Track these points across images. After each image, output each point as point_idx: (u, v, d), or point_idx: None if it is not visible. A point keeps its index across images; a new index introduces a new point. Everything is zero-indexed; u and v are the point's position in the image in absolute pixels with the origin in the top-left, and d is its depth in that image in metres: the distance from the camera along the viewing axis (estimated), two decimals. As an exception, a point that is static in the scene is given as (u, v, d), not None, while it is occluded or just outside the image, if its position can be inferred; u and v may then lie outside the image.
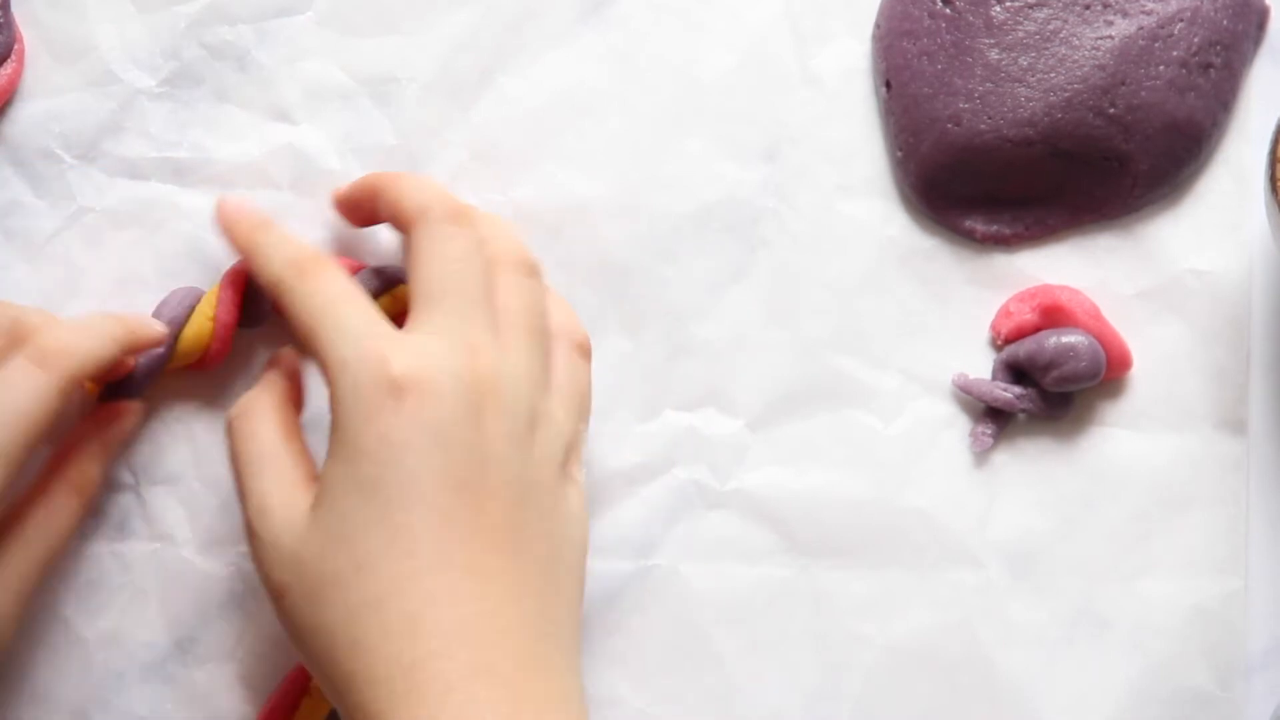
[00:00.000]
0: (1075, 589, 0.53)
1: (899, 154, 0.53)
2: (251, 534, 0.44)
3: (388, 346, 0.43)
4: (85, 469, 0.49)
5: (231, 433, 0.46)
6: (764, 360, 0.53)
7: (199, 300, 0.51)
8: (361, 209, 0.51)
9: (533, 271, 0.48)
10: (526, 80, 0.54)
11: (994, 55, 0.52)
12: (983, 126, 0.52)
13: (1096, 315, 0.52)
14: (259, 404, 0.47)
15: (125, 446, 0.50)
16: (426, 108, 0.54)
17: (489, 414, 0.43)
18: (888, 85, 0.53)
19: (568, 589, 0.45)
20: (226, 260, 0.53)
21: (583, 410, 0.48)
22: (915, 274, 0.54)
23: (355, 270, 0.52)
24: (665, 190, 0.54)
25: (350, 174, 0.54)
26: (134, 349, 0.48)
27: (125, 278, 0.54)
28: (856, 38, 0.54)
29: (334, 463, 0.43)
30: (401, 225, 0.48)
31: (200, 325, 0.51)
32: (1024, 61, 0.52)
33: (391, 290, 0.52)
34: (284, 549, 0.43)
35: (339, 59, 0.54)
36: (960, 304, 0.54)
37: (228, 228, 0.49)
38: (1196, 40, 0.52)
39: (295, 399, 0.49)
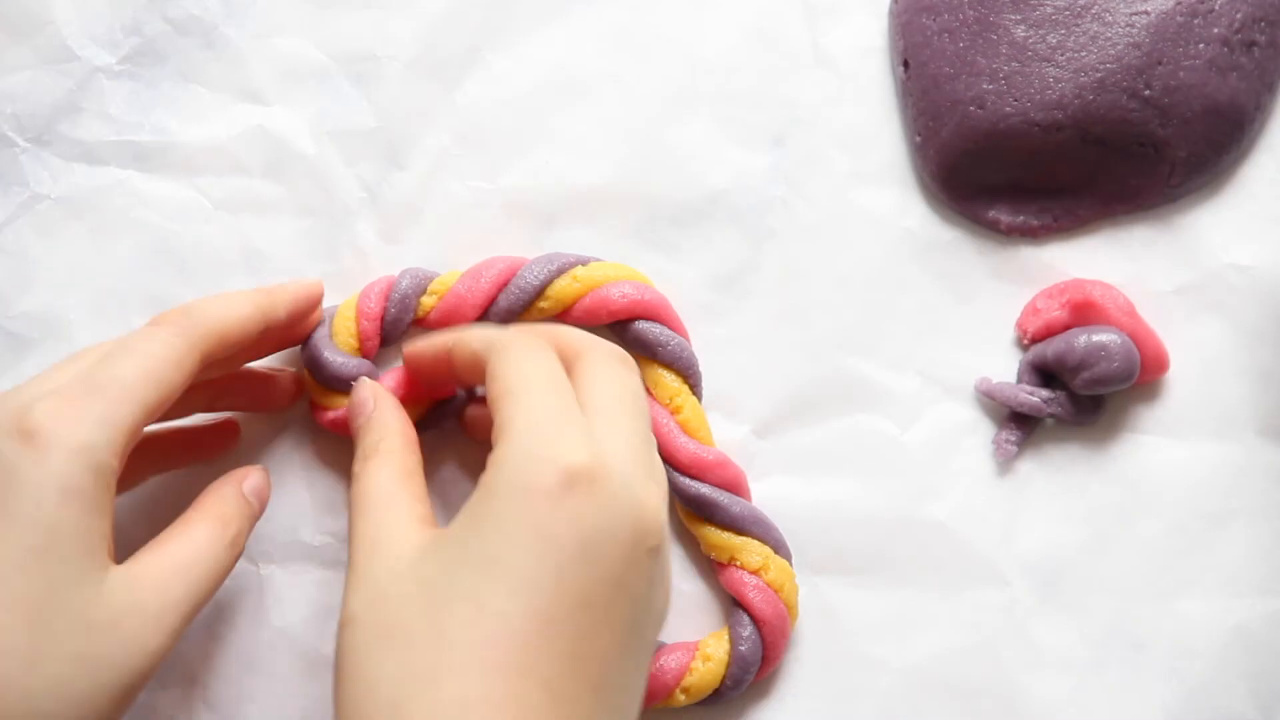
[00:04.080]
0: (1107, 609, 0.52)
1: (917, 139, 0.53)
2: (350, 565, 0.44)
3: (573, 435, 0.42)
4: (235, 524, 0.48)
5: (356, 478, 0.47)
6: (772, 362, 0.53)
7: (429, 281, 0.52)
8: (436, 368, 0.50)
9: (627, 360, 0.47)
10: (516, 59, 0.54)
11: (1020, 32, 0.52)
12: (1008, 109, 0.51)
13: (1131, 312, 0.52)
14: (383, 448, 0.47)
15: (262, 508, 0.50)
16: (408, 88, 0.54)
17: (645, 548, 0.42)
18: (905, 65, 0.53)
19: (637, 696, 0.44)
20: (192, 251, 0.53)
21: None
22: (935, 268, 0.53)
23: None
24: (666, 177, 0.54)
25: (326, 159, 0.53)
26: (272, 315, 0.49)
27: (82, 270, 0.53)
28: (872, 13, 0.54)
29: (468, 524, 0.42)
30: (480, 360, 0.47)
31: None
32: (1053, 39, 0.51)
33: (428, 289, 0.52)
34: (373, 581, 0.43)
35: (314, 35, 0.54)
36: (983, 300, 0.53)
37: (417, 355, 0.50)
38: (1239, 16, 0.51)
39: (415, 438, 0.49)
